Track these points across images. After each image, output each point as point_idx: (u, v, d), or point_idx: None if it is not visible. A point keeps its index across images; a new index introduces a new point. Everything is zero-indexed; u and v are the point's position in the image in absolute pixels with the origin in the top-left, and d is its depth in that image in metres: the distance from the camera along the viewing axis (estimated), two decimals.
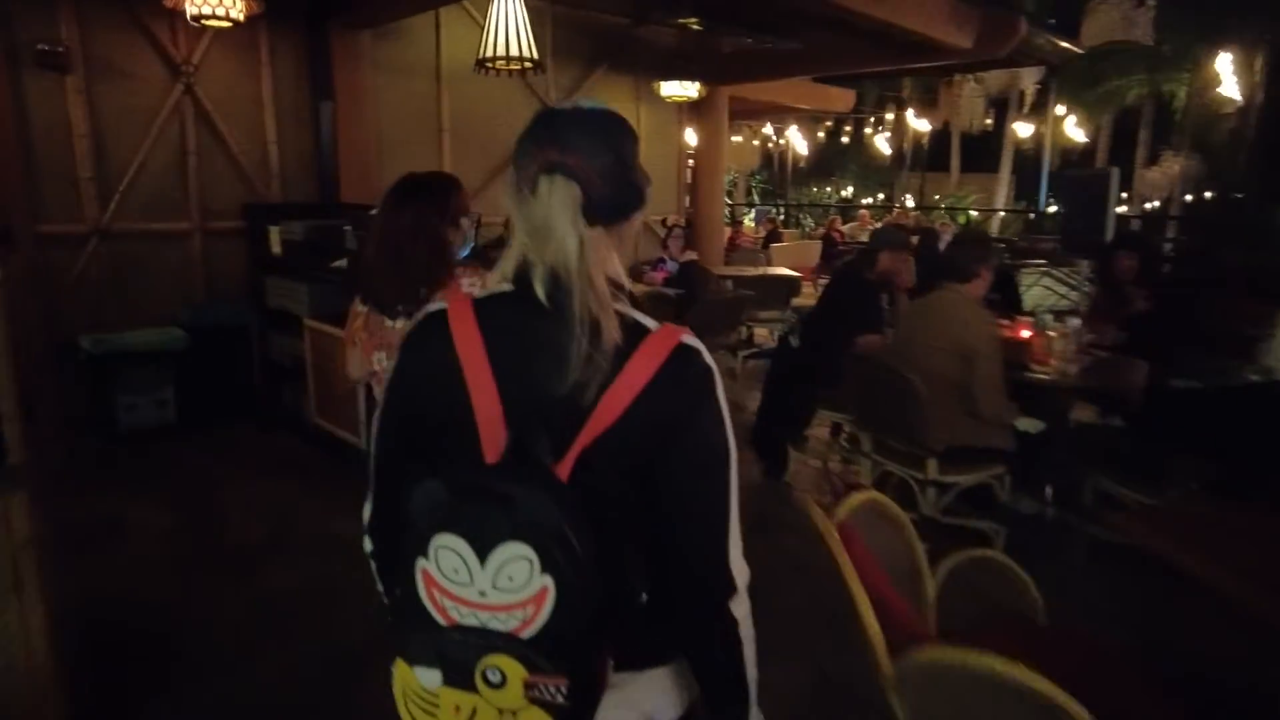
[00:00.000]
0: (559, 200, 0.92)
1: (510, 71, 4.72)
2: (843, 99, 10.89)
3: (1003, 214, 15.13)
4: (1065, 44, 8.34)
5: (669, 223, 7.34)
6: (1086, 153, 14.16)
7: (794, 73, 8.30)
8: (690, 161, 9.15)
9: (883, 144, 14.49)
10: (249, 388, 5.36)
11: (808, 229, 17.41)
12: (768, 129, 15.49)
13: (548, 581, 0.84)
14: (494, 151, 6.85)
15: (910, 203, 19.47)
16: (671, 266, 6.73)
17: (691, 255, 6.68)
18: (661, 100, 7.51)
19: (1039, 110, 15.79)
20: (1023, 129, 12.49)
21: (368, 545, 1.13)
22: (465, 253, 2.19)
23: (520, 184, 0.96)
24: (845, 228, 14.45)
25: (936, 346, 3.38)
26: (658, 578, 0.99)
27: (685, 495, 0.96)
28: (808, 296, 7.67)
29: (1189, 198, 13.06)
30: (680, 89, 7.24)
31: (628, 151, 0.99)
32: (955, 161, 19.14)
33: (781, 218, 15.51)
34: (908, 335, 3.62)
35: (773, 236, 13.08)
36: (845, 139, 13.88)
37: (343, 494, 2.10)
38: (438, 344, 0.97)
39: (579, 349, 0.89)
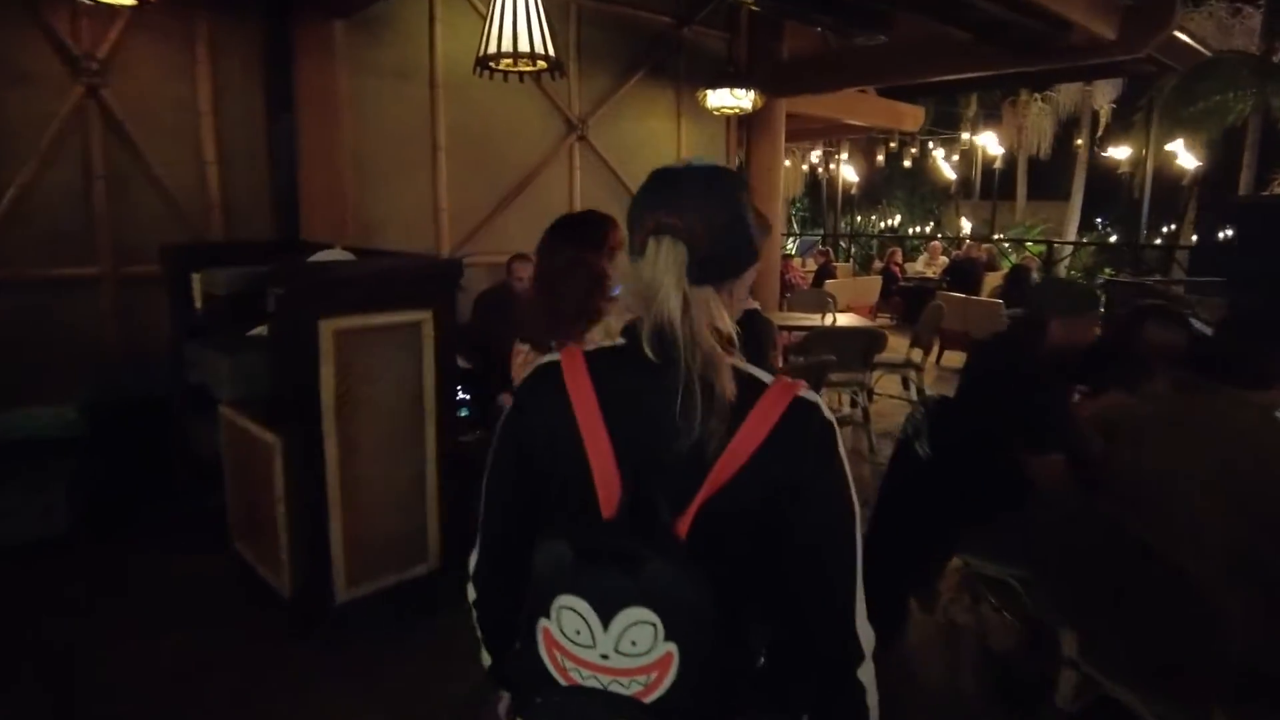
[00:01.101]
0: (665, 261, 0.92)
1: (522, 75, 3.56)
2: (913, 116, 9.48)
3: (1083, 245, 13.52)
4: (1199, 46, 6.88)
5: None
6: (1175, 179, 12.56)
7: (869, 80, 6.91)
8: None
9: (947, 168, 13.03)
10: (167, 487, 4.03)
11: (857, 261, 15.97)
12: (816, 154, 14.11)
13: (672, 648, 0.84)
14: (502, 175, 5.56)
15: (966, 229, 18.01)
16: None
17: (752, 304, 5.29)
18: (708, 114, 6.17)
19: (1112, 132, 14.28)
20: (1119, 152, 10.95)
21: (471, 594, 1.13)
22: (618, 290, 2.04)
23: (632, 245, 0.97)
24: (919, 262, 12.99)
25: (1223, 500, 1.95)
26: (779, 642, 0.98)
27: (809, 555, 0.94)
28: (894, 350, 6.24)
29: None
30: (731, 99, 5.91)
31: (740, 207, 0.97)
32: (1022, 189, 17.58)
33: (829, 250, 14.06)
34: (1153, 470, 2.17)
35: (824, 272, 11.63)
36: (908, 162, 12.41)
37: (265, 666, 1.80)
38: (553, 395, 0.98)
39: (692, 406, 0.89)
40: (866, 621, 0.97)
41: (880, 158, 12.82)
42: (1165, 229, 17.72)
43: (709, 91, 5.90)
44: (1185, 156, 10.09)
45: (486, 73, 3.41)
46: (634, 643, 0.84)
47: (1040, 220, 17.91)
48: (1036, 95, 15.14)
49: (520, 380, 1.07)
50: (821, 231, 20.33)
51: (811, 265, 12.76)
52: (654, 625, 0.83)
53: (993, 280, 11.04)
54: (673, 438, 0.90)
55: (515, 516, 1.06)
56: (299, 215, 4.53)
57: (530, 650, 0.91)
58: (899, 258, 12.89)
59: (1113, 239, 20.57)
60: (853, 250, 17.10)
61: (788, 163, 14.84)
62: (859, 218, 23.90)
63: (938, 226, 23.45)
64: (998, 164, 13.52)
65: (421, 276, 3.28)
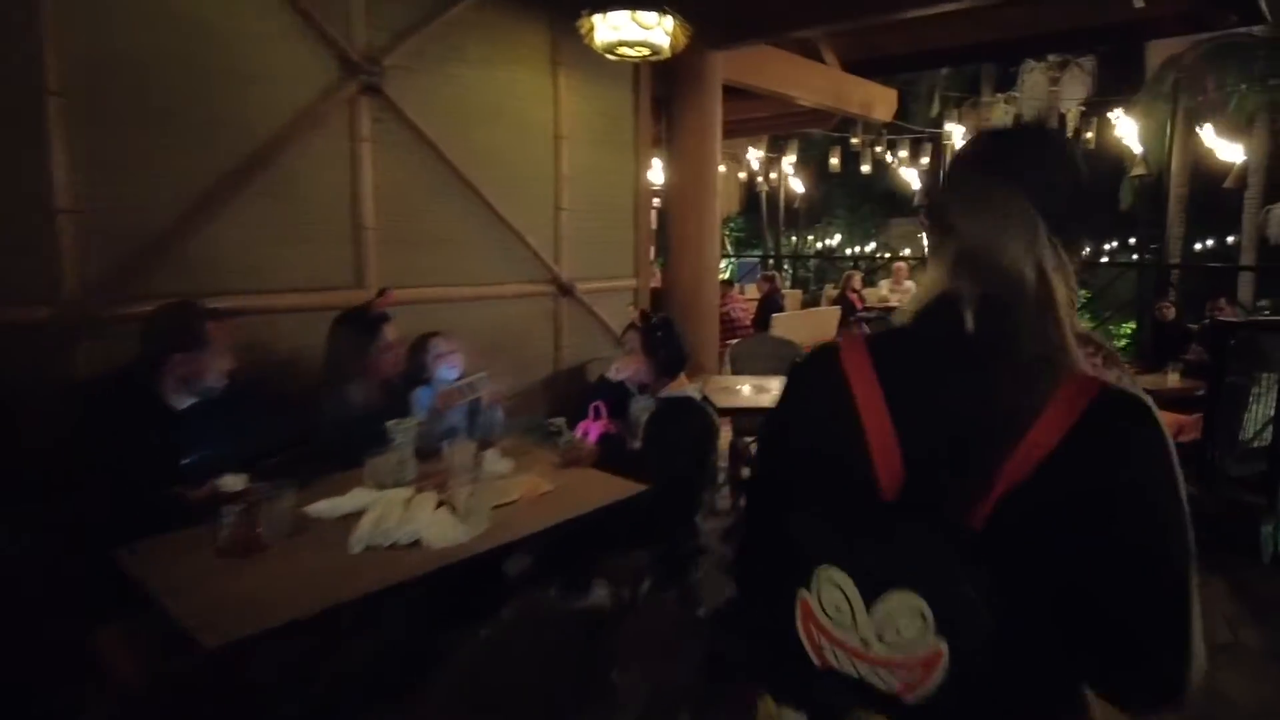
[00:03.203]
0: (1014, 223, 0.84)
1: None
2: (885, 100, 7.23)
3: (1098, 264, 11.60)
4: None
5: (631, 312, 3.59)
6: (1215, 178, 10.63)
7: (845, 17, 4.49)
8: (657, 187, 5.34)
9: (910, 175, 10.98)
10: None
11: (799, 286, 13.78)
12: (753, 156, 11.83)
13: (941, 645, 0.78)
14: (211, 146, 2.97)
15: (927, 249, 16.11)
16: (637, 409, 2.78)
17: (685, 388, 2.74)
18: (603, 63, 3.73)
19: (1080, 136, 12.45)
20: (1133, 143, 8.94)
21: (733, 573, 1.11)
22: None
23: (951, 208, 0.89)
24: (882, 287, 10.81)
25: None
26: (1096, 671, 0.86)
27: (1134, 571, 0.80)
28: None
29: None
30: (635, 30, 3.48)
31: (1079, 168, 0.90)
32: None
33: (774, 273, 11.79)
34: None
35: (771, 304, 9.28)
36: (867, 166, 10.24)
37: None
38: (828, 377, 0.93)
39: (1009, 387, 0.82)
40: (1202, 644, 0.81)
41: (835, 160, 10.57)
42: (1202, 243, 16.05)
43: (595, 18, 3.46)
44: (1230, 150, 8.15)
45: None
46: (899, 631, 0.79)
47: None
48: (1001, 97, 13.32)
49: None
50: (760, 253, 18.25)
51: (754, 293, 10.42)
52: (923, 615, 0.78)
53: None
54: (969, 422, 0.83)
55: (783, 496, 0.97)
56: None
57: (785, 624, 0.89)
58: (857, 283, 10.66)
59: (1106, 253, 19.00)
60: (793, 274, 14.98)
61: (722, 168, 12.57)
62: (794, 237, 21.92)
63: (881, 247, 21.63)
64: None
65: None
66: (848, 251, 21.85)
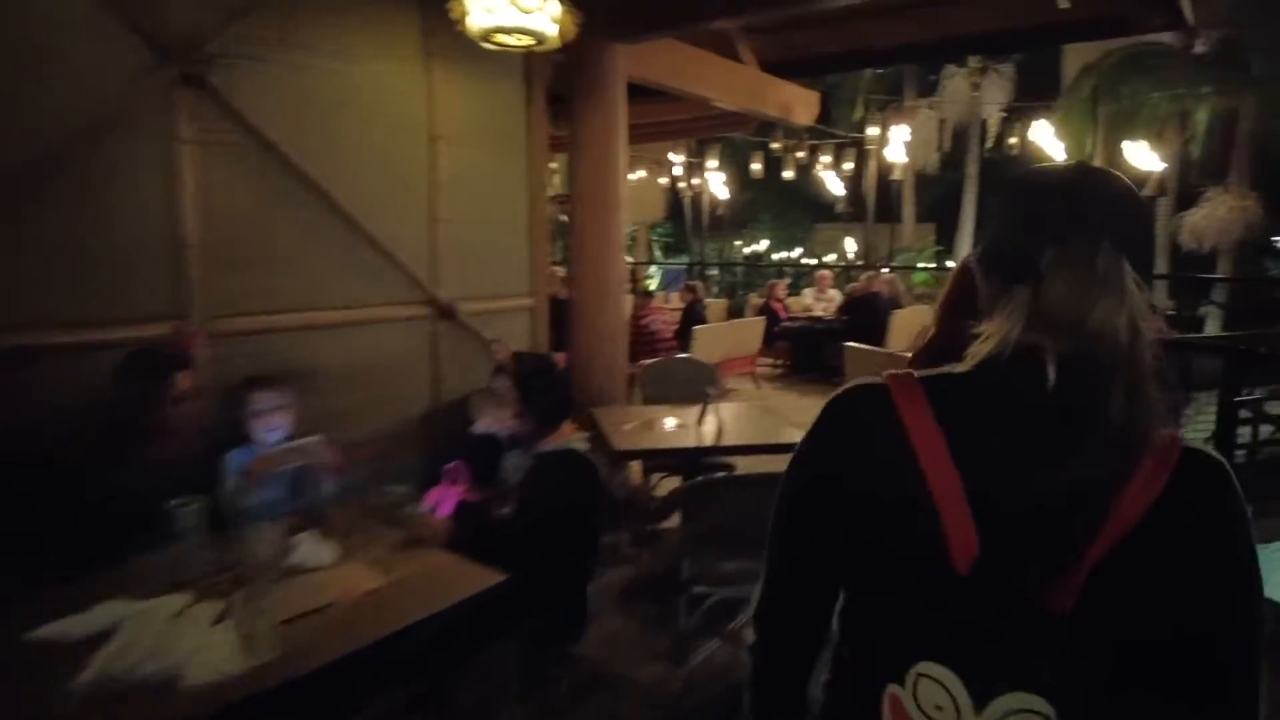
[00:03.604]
0: (1106, 267, 0.79)
1: None
2: (806, 103, 6.87)
3: None
4: None
5: (500, 351, 3.13)
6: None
7: (756, 6, 4.07)
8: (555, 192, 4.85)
9: (833, 180, 10.72)
10: None
11: (725, 293, 13.46)
12: (679, 165, 11.44)
13: None
14: None
15: (851, 255, 16.01)
16: (509, 468, 2.28)
17: (565, 439, 2.24)
18: (487, 55, 3.23)
19: (1003, 143, 12.49)
20: (1052, 150, 8.82)
21: (750, 637, 0.98)
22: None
23: (1026, 259, 0.81)
24: (807, 295, 10.54)
25: None
26: None
27: (1212, 644, 0.78)
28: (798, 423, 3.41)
29: None
30: (514, 15, 3.02)
31: (1149, 211, 1.06)
32: (910, 207, 15.63)
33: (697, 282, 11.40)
34: None
35: (693, 315, 8.89)
36: (789, 172, 9.95)
37: None
38: (879, 424, 0.84)
39: (1095, 449, 0.76)
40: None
41: (756, 165, 10.24)
42: None
43: (468, 1, 2.98)
44: (1148, 157, 8.11)
45: None
46: None
47: (929, 244, 16.14)
48: (925, 104, 13.29)
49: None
50: (687, 260, 17.89)
51: (677, 304, 10.03)
52: (1045, 714, 0.76)
53: (903, 321, 8.66)
54: (1050, 491, 0.76)
55: (815, 558, 0.91)
56: None
57: (864, 713, 0.83)
58: (781, 292, 10.38)
59: None
60: (720, 281, 14.65)
61: (642, 173, 12.19)
62: (723, 243, 21.68)
63: (806, 252, 21.56)
64: (896, 174, 11.41)
65: None
66: (775, 257, 21.70)
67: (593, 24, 3.62)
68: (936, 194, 16.01)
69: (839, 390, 0.90)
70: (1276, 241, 12.52)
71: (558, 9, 3.07)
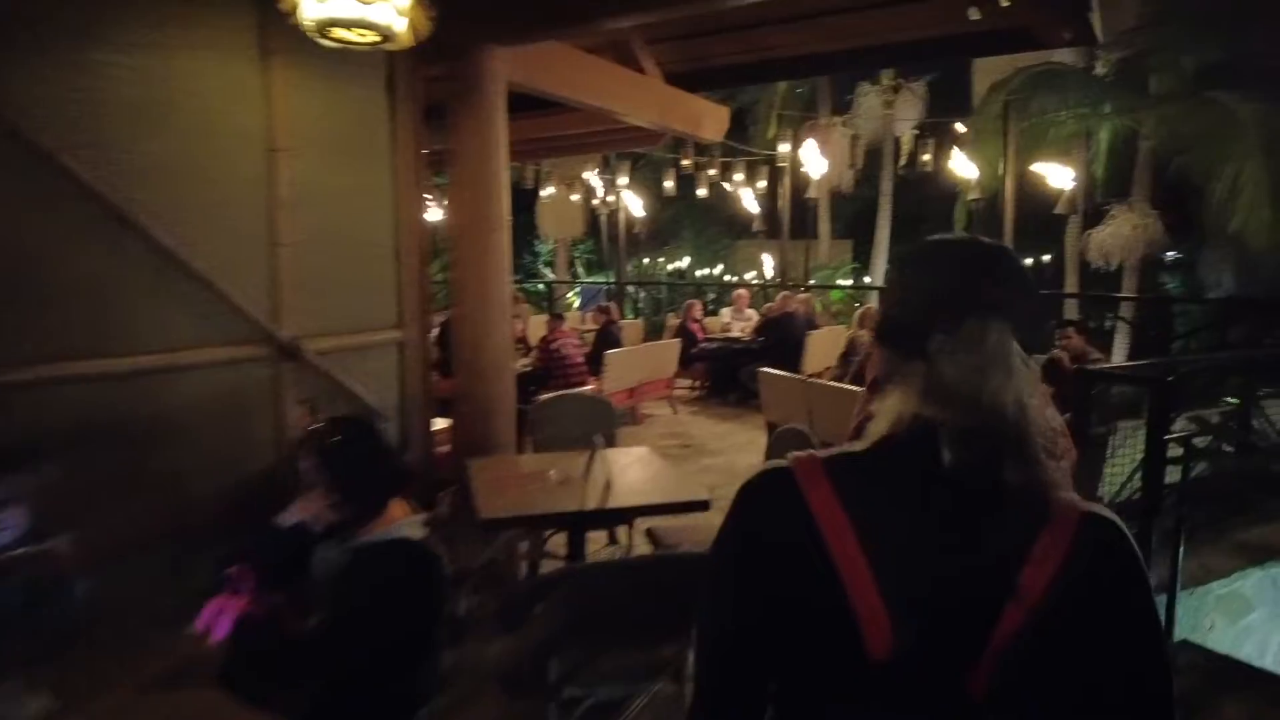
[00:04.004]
0: (996, 346, 0.79)
1: None
2: (715, 118, 6.56)
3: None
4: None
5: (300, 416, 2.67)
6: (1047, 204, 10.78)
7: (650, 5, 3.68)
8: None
9: (749, 198, 10.53)
10: None
11: (647, 315, 13.12)
12: (591, 177, 11.06)
13: None
14: None
15: (770, 273, 15.89)
16: (319, 564, 1.81)
17: (396, 526, 1.81)
18: (341, 56, 2.77)
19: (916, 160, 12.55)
20: (964, 168, 8.78)
21: None
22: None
23: (929, 338, 0.80)
24: (725, 314, 10.26)
25: None
26: None
27: (1137, 707, 0.80)
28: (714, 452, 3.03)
29: None
30: (352, 6, 2.57)
31: (1035, 285, 0.91)
32: (825, 224, 15.60)
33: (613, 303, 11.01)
34: None
35: (607, 337, 8.46)
36: (703, 190, 9.71)
37: None
38: (787, 508, 0.83)
39: (997, 523, 0.77)
40: None
41: (669, 183, 9.95)
42: (1037, 267, 16.44)
43: None
44: (1060, 175, 8.11)
45: None
46: None
47: (846, 261, 16.16)
48: (839, 120, 13.27)
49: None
50: (608, 277, 17.51)
51: (591, 325, 9.60)
52: None
53: (820, 342, 8.44)
54: (955, 569, 0.77)
55: (741, 650, 0.88)
56: None
57: None
58: (698, 312, 10.11)
59: None
60: (638, 300, 14.31)
61: (552, 189, 11.78)
62: (645, 260, 21.39)
63: (727, 269, 21.46)
64: (811, 191, 11.31)
65: None
66: (698, 274, 21.53)
67: (463, 23, 3.19)
68: (852, 210, 16.09)
69: (750, 476, 0.88)
70: (1167, 257, 12.91)
71: (405, 1, 2.63)
